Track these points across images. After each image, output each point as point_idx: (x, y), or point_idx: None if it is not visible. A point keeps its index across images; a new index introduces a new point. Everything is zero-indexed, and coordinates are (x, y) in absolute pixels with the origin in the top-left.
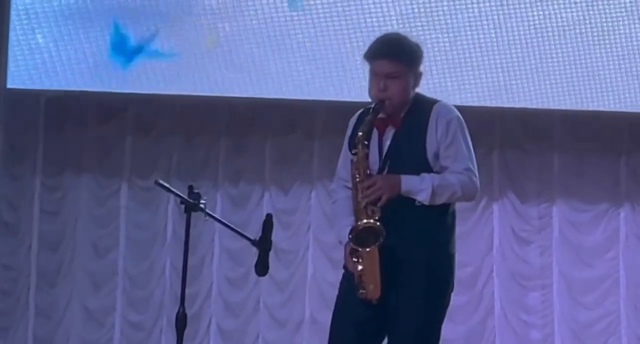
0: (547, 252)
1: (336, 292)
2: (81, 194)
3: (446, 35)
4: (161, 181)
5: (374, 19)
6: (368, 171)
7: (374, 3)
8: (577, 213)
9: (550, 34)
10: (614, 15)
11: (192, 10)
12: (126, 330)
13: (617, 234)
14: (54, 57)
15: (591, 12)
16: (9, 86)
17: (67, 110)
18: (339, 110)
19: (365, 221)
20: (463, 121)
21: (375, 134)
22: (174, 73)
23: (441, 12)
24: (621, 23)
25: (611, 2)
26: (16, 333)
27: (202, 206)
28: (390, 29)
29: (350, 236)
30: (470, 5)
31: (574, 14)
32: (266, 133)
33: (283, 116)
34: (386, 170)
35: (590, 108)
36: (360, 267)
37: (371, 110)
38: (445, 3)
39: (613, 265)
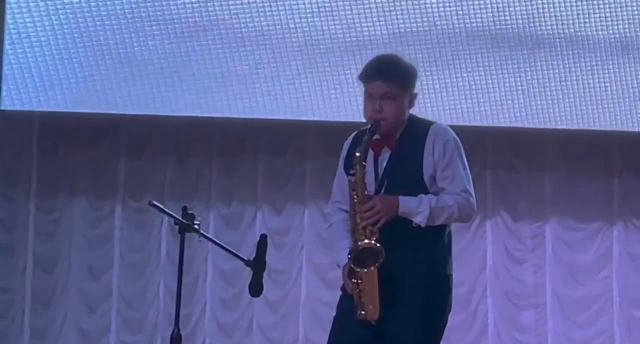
0: (541, 271)
1: (330, 312)
2: (75, 216)
3: (439, 55)
4: (155, 202)
5: (366, 39)
6: (366, 192)
7: (365, 23)
8: (570, 232)
9: (540, 54)
10: (602, 37)
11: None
12: None
13: (610, 253)
14: (46, 79)
15: (579, 34)
16: (2, 107)
17: (61, 131)
18: (330, 130)
19: (366, 241)
20: (459, 142)
21: (370, 155)
22: (165, 94)
23: (434, 33)
24: (609, 44)
25: (599, 23)
26: None
27: (196, 226)
28: (383, 49)
29: (349, 257)
30: (463, 27)
31: (564, 35)
32: (258, 153)
33: (275, 137)
34: (382, 191)
35: (581, 127)
36: (359, 288)
37: (367, 131)
38: (438, 24)
39: (606, 284)
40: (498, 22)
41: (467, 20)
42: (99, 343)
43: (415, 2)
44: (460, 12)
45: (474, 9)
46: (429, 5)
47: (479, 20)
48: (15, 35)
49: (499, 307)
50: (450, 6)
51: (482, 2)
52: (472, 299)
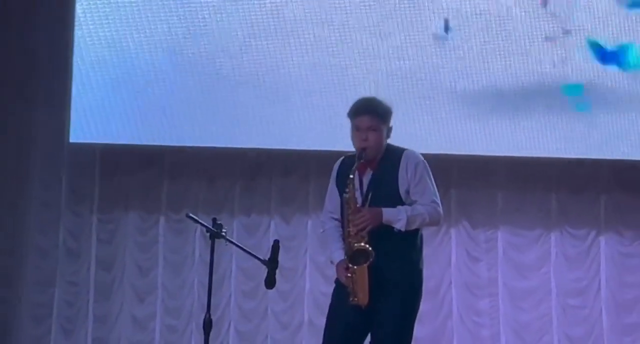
0: (494, 268)
1: (329, 300)
2: (128, 226)
3: (417, 96)
4: (191, 215)
5: (350, 83)
6: (357, 205)
7: (354, 74)
8: (517, 237)
9: (493, 101)
10: (542, 80)
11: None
12: (164, 332)
13: (549, 254)
14: (105, 118)
15: (525, 79)
16: (71, 140)
17: (117, 159)
18: (328, 157)
19: (362, 243)
20: (427, 163)
21: (356, 175)
22: (198, 129)
23: (413, 77)
24: (548, 83)
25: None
26: (78, 336)
27: (223, 234)
28: (369, 89)
29: (346, 256)
30: (430, 72)
31: (510, 79)
32: (271, 176)
33: (284, 163)
34: (368, 203)
35: (526, 155)
36: (352, 280)
37: (356, 158)
38: (418, 69)
39: (546, 278)
40: (462, 81)
41: (439, 78)
42: (148, 326)
43: (396, 57)
44: (431, 70)
45: (442, 67)
46: (408, 60)
47: (448, 77)
48: (80, 84)
49: (461, 296)
50: (421, 66)
51: (446, 63)
52: (440, 290)
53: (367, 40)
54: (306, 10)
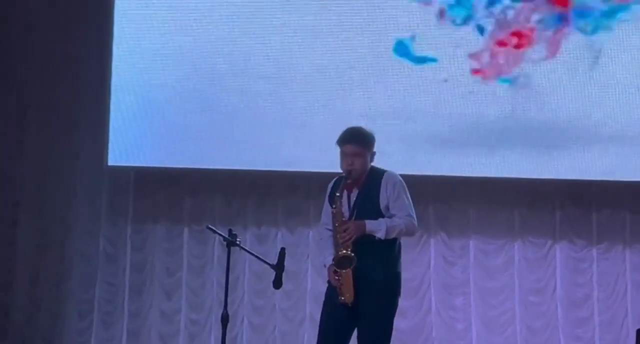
0: (466, 271)
1: None
2: (157, 235)
3: (400, 122)
4: (210, 226)
5: (345, 116)
6: (343, 218)
7: (348, 109)
8: (486, 245)
9: (463, 119)
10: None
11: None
12: (188, 325)
13: (513, 259)
14: (138, 145)
15: (492, 114)
16: (109, 163)
17: (148, 179)
18: (326, 178)
19: (344, 251)
20: (403, 182)
21: (344, 193)
22: (215, 153)
23: (400, 107)
24: (512, 119)
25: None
26: (116, 328)
27: (238, 242)
28: (360, 120)
29: (333, 262)
30: (415, 110)
31: (479, 117)
32: (278, 194)
33: (290, 182)
34: (354, 217)
35: (492, 175)
36: (340, 282)
37: (343, 179)
38: (404, 107)
39: (510, 279)
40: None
41: (425, 114)
42: (174, 320)
43: (384, 92)
44: (416, 109)
45: (425, 108)
46: (399, 95)
47: (429, 116)
48: (117, 117)
49: (439, 295)
50: (407, 105)
51: (428, 103)
52: (420, 290)
53: (360, 79)
54: (308, 49)
